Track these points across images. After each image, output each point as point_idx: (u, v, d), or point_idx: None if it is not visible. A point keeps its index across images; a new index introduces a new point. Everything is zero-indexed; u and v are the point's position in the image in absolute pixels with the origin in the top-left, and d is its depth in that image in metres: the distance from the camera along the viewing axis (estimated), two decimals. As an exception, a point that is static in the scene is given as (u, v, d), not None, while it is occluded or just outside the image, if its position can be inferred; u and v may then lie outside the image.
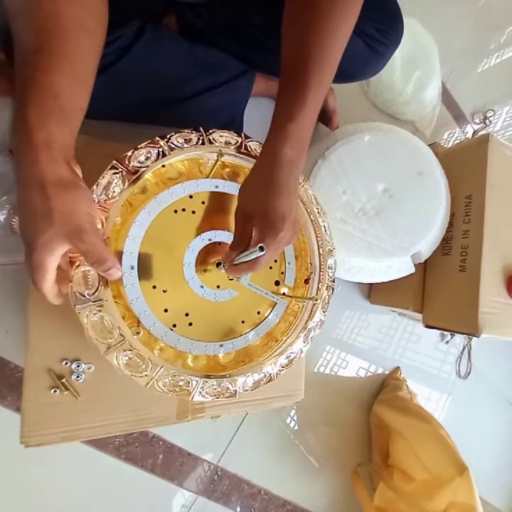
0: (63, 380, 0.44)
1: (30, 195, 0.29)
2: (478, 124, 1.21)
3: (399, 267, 0.74)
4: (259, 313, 0.52)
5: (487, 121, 1.21)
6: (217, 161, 0.48)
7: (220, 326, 0.49)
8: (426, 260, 0.77)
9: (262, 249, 0.35)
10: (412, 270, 0.75)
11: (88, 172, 0.37)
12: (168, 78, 0.58)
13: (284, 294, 0.53)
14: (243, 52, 0.63)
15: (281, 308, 0.53)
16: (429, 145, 0.80)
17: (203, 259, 0.48)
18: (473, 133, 1.20)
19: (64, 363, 0.45)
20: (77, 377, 0.45)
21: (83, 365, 0.45)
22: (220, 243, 0.49)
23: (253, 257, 0.37)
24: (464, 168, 0.77)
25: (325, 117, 0.82)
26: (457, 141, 1.16)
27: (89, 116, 0.36)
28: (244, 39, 0.61)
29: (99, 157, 0.41)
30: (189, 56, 0.59)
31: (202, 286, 0.47)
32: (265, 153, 0.38)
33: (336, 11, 0.37)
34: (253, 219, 0.38)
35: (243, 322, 0.50)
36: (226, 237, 0.49)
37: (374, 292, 0.95)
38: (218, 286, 0.49)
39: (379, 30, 0.59)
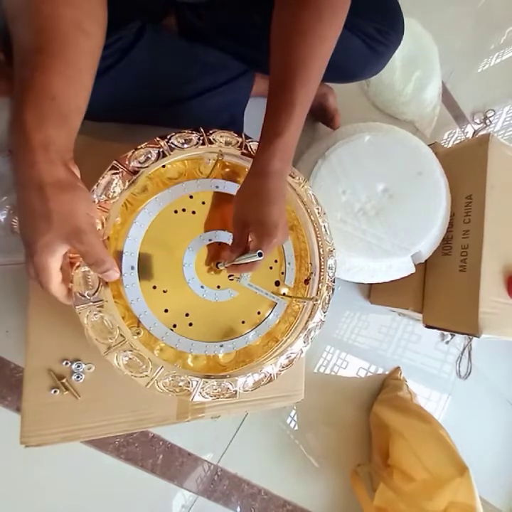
0: (63, 380, 0.44)
1: (28, 196, 0.29)
2: (479, 124, 1.21)
3: (399, 267, 0.74)
4: (259, 313, 0.52)
5: (487, 121, 1.21)
6: (217, 161, 0.48)
7: (220, 326, 0.49)
8: (426, 260, 0.77)
9: (260, 255, 0.39)
10: (413, 270, 0.75)
11: (88, 173, 0.37)
12: (168, 79, 0.57)
13: (284, 294, 0.53)
14: (243, 52, 0.63)
15: (282, 308, 0.53)
16: (429, 145, 0.80)
17: (209, 259, 0.48)
18: (474, 133, 1.20)
19: (64, 363, 0.45)
20: (78, 377, 0.45)
21: (83, 366, 0.45)
22: (220, 243, 0.49)
23: (252, 260, 0.41)
24: (464, 168, 0.77)
25: (327, 117, 0.82)
26: (457, 141, 1.16)
27: (90, 117, 0.36)
28: (244, 39, 0.61)
29: (100, 158, 0.41)
30: (189, 57, 0.59)
31: (202, 287, 0.47)
32: (256, 165, 0.41)
33: (320, 26, 0.39)
34: (249, 226, 0.41)
35: (243, 322, 0.50)
36: (226, 237, 0.49)
37: (374, 292, 0.95)
38: (218, 287, 0.49)
39: (379, 30, 0.59)
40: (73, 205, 0.30)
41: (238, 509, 0.78)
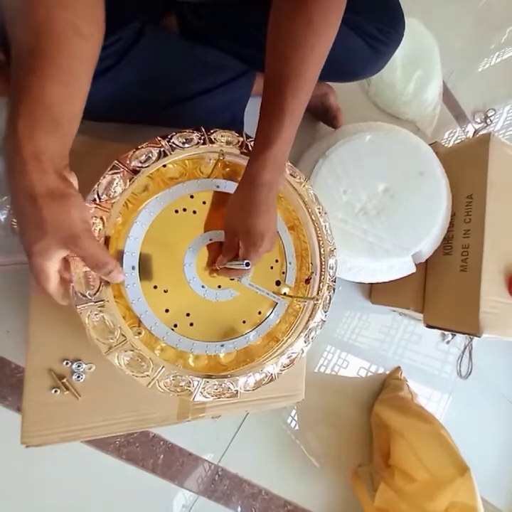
0: (64, 380, 0.44)
1: (22, 204, 0.29)
2: (479, 123, 1.21)
3: (400, 266, 0.74)
4: (260, 313, 0.52)
5: (488, 120, 1.21)
6: (218, 160, 0.48)
7: (221, 326, 0.49)
8: (427, 260, 0.77)
9: (247, 264, 0.42)
10: (413, 270, 0.75)
11: (89, 172, 0.37)
12: (168, 80, 0.57)
13: (284, 293, 0.53)
14: (243, 52, 0.63)
15: (282, 308, 0.53)
16: (430, 144, 0.80)
17: (210, 260, 0.48)
18: (474, 132, 1.20)
19: (65, 363, 0.45)
20: (78, 377, 0.45)
21: (84, 365, 0.45)
22: (221, 243, 0.49)
23: (240, 268, 0.44)
24: (465, 167, 0.77)
25: (329, 116, 0.81)
26: (458, 141, 1.15)
27: (90, 117, 0.36)
28: (244, 39, 0.61)
29: (100, 157, 0.41)
30: (189, 57, 0.59)
31: (203, 286, 0.47)
32: (247, 175, 0.42)
33: (312, 36, 0.39)
34: (238, 234, 0.43)
35: (244, 322, 0.50)
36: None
37: (375, 292, 0.95)
38: (219, 286, 0.49)
39: (380, 29, 0.59)
40: (66, 213, 0.30)
41: (239, 509, 0.78)
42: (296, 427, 0.85)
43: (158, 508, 0.71)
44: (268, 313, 0.52)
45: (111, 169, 0.41)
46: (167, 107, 0.59)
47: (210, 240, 0.48)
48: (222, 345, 0.48)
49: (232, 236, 0.44)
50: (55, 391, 0.44)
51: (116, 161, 0.41)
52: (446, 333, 1.09)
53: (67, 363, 0.45)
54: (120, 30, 0.51)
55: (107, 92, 0.52)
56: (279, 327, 0.53)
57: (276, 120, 0.39)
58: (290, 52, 0.39)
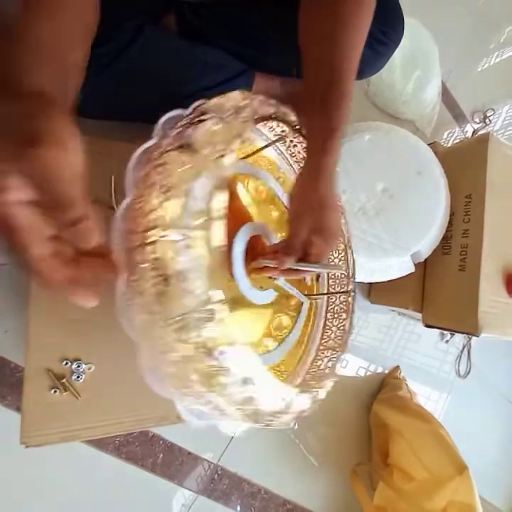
0: (63, 380, 0.44)
1: None
2: (478, 123, 1.21)
3: (399, 266, 0.74)
4: (292, 315, 0.49)
5: (487, 120, 1.21)
6: (278, 140, 0.45)
7: (263, 335, 0.45)
8: (426, 259, 0.77)
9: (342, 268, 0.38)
10: (412, 269, 0.75)
11: (88, 171, 0.36)
12: (167, 79, 0.57)
13: (305, 293, 0.50)
14: (243, 52, 0.63)
15: (306, 308, 0.50)
16: (429, 144, 0.80)
17: (252, 256, 0.42)
18: (473, 132, 1.20)
19: (64, 363, 0.45)
20: (78, 377, 0.45)
21: (83, 365, 0.45)
22: (257, 237, 0.43)
23: (320, 271, 0.39)
24: (464, 167, 0.77)
25: None
26: (457, 141, 1.16)
27: (89, 116, 0.36)
28: (244, 39, 0.61)
29: (101, 156, 0.40)
30: (188, 57, 0.58)
31: (250, 288, 0.41)
32: (315, 168, 0.40)
33: (356, 19, 0.39)
34: (312, 231, 0.39)
35: (276, 328, 0.47)
36: (266, 231, 0.44)
37: (374, 292, 0.95)
38: (261, 287, 0.42)
39: (379, 29, 0.59)
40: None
41: (238, 508, 0.78)
42: (296, 426, 0.85)
43: (158, 507, 0.71)
44: (296, 315, 0.49)
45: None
46: (167, 106, 0.59)
47: (252, 233, 0.42)
48: (269, 357, 0.43)
49: (304, 232, 0.39)
50: (55, 391, 0.44)
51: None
52: (445, 332, 1.09)
53: (66, 363, 0.45)
54: (119, 28, 0.51)
55: (106, 90, 0.52)
56: (304, 329, 0.50)
57: (340, 104, 0.38)
58: (339, 34, 0.39)
